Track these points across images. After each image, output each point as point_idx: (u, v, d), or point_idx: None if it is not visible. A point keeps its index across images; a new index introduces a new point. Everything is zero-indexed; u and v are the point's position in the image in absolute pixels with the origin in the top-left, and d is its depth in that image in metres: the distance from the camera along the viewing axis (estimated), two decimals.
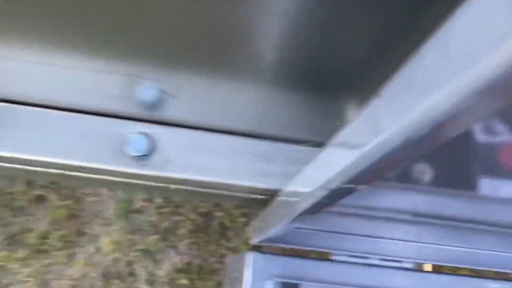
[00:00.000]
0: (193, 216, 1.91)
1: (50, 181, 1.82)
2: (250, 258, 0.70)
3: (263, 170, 0.64)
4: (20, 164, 0.61)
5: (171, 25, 0.52)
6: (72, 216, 1.86)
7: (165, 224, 1.89)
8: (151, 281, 1.83)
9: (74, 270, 1.81)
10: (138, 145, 0.60)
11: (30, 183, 1.86)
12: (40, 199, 1.86)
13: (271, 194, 0.66)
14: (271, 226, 0.66)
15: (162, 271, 1.85)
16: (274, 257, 0.71)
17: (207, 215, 1.93)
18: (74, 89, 0.60)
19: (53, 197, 1.86)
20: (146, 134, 0.61)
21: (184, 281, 1.83)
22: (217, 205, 1.93)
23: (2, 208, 1.83)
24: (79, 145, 0.60)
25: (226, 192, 0.68)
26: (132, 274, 1.84)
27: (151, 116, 0.62)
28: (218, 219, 1.93)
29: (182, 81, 0.61)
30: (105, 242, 1.85)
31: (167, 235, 1.90)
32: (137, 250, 1.86)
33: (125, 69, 0.59)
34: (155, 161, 0.62)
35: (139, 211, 1.90)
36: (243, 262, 0.71)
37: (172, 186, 0.68)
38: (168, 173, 0.62)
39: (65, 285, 1.79)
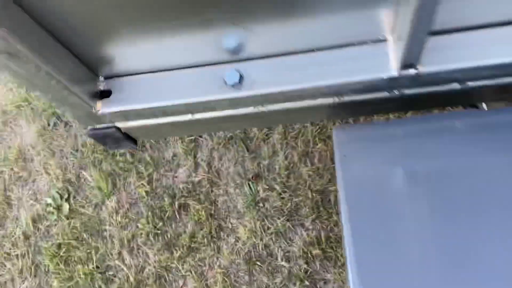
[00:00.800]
0: (310, 195, 2.12)
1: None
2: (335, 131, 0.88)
3: (329, 72, 0.84)
4: (160, 113, 0.89)
5: None
6: (211, 216, 2.19)
7: (288, 207, 2.12)
8: (287, 257, 2.05)
9: (222, 260, 2.11)
10: (232, 77, 0.84)
11: (173, 196, 2.24)
12: (183, 207, 2.23)
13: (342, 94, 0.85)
14: None
15: (295, 247, 2.06)
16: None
17: (322, 192, 2.12)
18: (181, 53, 0.88)
19: (192, 203, 2.22)
20: (236, 69, 0.86)
21: (316, 251, 2.02)
22: (330, 181, 2.11)
23: (157, 220, 2.22)
24: (193, 89, 0.87)
25: (311, 102, 0.88)
26: (270, 254, 2.08)
27: (237, 57, 0.87)
28: (333, 193, 2.11)
29: (254, 25, 0.84)
30: (242, 232, 2.13)
31: (292, 216, 2.12)
32: (270, 233, 2.10)
33: (211, 27, 0.84)
34: (246, 85, 0.85)
35: (264, 200, 2.16)
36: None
37: (266, 109, 0.91)
38: (257, 91, 0.85)
39: (218, 274, 2.09)
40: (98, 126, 0.94)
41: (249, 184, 2.20)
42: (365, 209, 0.96)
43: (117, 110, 0.88)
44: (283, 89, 0.83)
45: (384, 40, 0.82)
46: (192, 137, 2.31)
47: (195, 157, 2.29)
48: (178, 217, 2.22)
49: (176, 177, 2.29)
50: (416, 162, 0.94)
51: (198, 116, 0.92)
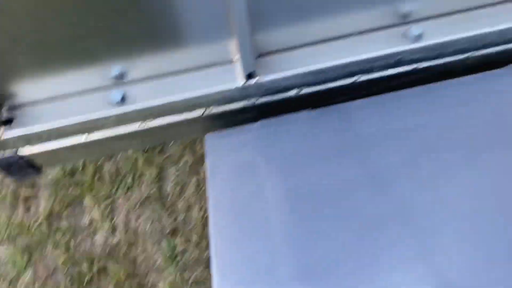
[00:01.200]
0: None
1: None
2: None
3: (195, 87, 1.06)
4: (56, 135, 1.04)
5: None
6: (130, 275, 2.22)
7: (206, 255, 2.22)
8: None
9: None
10: (116, 96, 1.04)
11: (91, 261, 2.26)
12: (102, 270, 2.24)
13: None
14: None
15: None
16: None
17: None
18: (75, 82, 1.06)
19: (111, 265, 2.24)
20: (119, 91, 1.05)
21: None
22: None
23: (76, 286, 2.21)
24: (84, 110, 1.05)
25: (187, 116, 1.09)
26: None
27: (121, 82, 1.07)
28: None
29: (133, 57, 1.06)
30: (162, 286, 2.18)
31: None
32: (191, 284, 2.17)
33: (98, 61, 1.05)
34: (128, 102, 1.05)
35: (182, 252, 2.25)
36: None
37: (150, 124, 1.10)
38: (137, 105, 1.04)
39: None
40: (2, 154, 1.07)
41: (167, 240, 2.29)
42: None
43: (17, 134, 1.02)
44: (159, 103, 1.04)
45: (234, 61, 1.07)
46: (108, 200, 2.40)
47: (112, 220, 2.36)
48: (97, 281, 2.23)
49: (94, 242, 2.33)
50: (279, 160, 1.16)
51: (92, 137, 1.08)
